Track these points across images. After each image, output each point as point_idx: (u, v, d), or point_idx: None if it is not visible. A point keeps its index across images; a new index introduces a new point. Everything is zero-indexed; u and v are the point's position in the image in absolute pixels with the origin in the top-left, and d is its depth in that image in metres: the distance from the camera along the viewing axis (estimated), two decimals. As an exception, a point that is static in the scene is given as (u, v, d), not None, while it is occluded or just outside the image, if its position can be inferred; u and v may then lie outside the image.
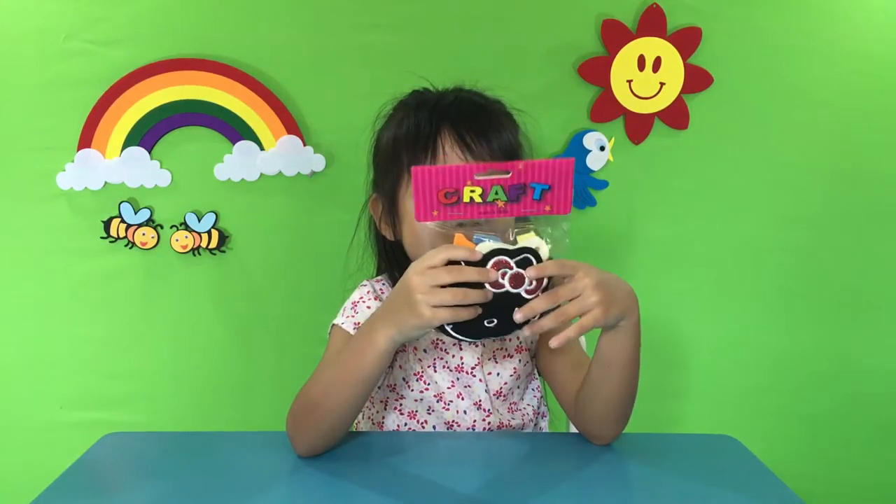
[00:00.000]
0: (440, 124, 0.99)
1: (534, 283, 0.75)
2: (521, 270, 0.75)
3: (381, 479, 0.83)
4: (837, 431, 1.63)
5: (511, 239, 0.78)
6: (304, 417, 0.89)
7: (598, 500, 0.80)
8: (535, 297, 0.75)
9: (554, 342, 0.76)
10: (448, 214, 0.77)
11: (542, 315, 0.76)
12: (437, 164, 0.97)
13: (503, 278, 0.75)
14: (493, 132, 1.02)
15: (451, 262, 0.76)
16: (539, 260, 0.75)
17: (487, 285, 0.75)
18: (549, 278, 0.77)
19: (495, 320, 0.76)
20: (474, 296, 0.74)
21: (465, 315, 0.75)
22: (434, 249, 0.76)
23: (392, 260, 1.09)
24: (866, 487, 1.65)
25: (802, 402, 1.61)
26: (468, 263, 0.75)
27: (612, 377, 0.89)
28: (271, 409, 1.50)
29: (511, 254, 0.75)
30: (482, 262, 0.75)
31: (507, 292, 0.75)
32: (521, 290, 0.75)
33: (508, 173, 0.76)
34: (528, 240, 0.77)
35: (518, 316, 0.75)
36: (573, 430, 1.01)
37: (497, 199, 0.76)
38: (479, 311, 0.76)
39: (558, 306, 0.76)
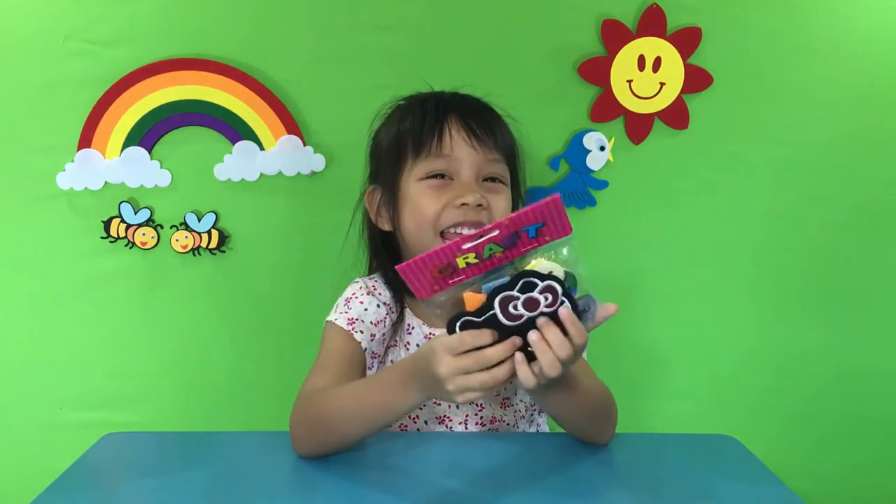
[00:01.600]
0: (447, 112, 1.01)
1: (549, 297, 0.73)
2: (530, 295, 0.72)
3: (382, 479, 0.83)
4: (837, 431, 1.63)
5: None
6: (313, 429, 0.88)
7: (597, 500, 0.80)
8: (562, 302, 0.73)
9: (534, 336, 0.73)
10: (448, 284, 0.75)
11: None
12: (443, 150, 0.99)
13: (516, 309, 0.73)
14: (497, 127, 1.04)
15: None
16: (542, 277, 0.72)
17: (507, 322, 0.73)
18: (574, 303, 0.74)
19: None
20: (503, 372, 0.73)
21: (493, 392, 0.76)
22: (458, 336, 0.73)
23: (385, 255, 1.10)
24: (866, 487, 1.65)
25: (802, 401, 1.61)
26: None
27: (569, 422, 0.92)
28: (271, 409, 1.51)
29: (509, 286, 0.72)
30: (488, 305, 0.73)
31: (529, 318, 0.73)
32: (542, 309, 0.73)
33: (496, 232, 0.73)
34: (539, 265, 0.74)
35: (541, 321, 0.73)
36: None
37: (494, 253, 0.74)
38: (509, 384, 0.75)
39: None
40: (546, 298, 0.73)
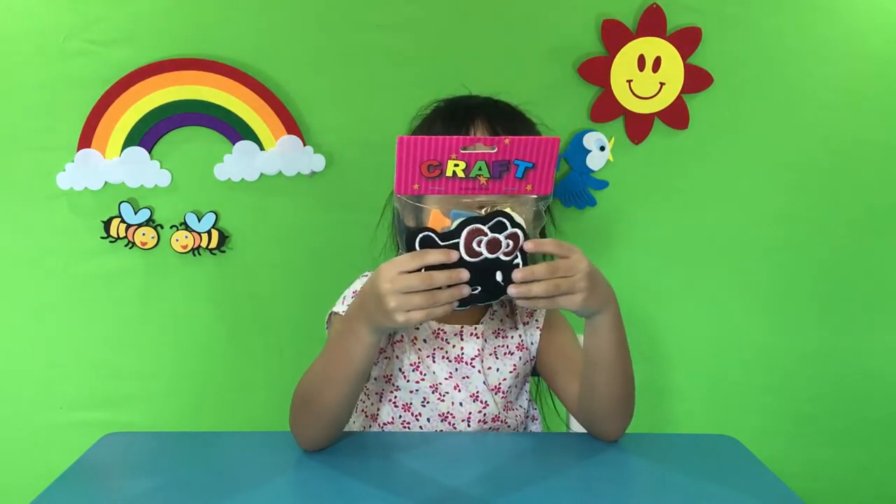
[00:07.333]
0: (475, 114, 1.02)
1: (510, 245, 0.76)
2: (496, 235, 0.75)
3: (381, 480, 0.83)
4: (838, 431, 1.63)
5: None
6: (301, 414, 0.90)
7: (598, 500, 0.80)
8: (515, 257, 0.76)
9: (514, 290, 0.76)
10: (429, 188, 0.77)
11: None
12: None
13: (479, 246, 0.76)
14: (523, 132, 1.04)
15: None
16: (513, 223, 0.75)
17: (465, 255, 0.75)
18: (522, 246, 0.77)
19: (479, 287, 0.77)
20: (445, 297, 0.75)
21: (439, 313, 0.76)
22: (407, 254, 0.76)
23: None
24: (866, 487, 1.65)
25: (802, 402, 1.61)
26: (445, 266, 0.75)
27: (602, 374, 0.90)
28: (271, 409, 1.51)
29: (483, 220, 0.75)
30: (456, 231, 0.75)
31: (486, 259, 0.76)
32: (500, 255, 0.76)
33: (494, 149, 0.75)
34: (511, 211, 0.77)
35: (518, 275, 0.76)
36: (572, 431, 1.01)
37: (479, 175, 0.77)
38: (455, 306, 0.76)
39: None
40: (507, 245, 0.76)
